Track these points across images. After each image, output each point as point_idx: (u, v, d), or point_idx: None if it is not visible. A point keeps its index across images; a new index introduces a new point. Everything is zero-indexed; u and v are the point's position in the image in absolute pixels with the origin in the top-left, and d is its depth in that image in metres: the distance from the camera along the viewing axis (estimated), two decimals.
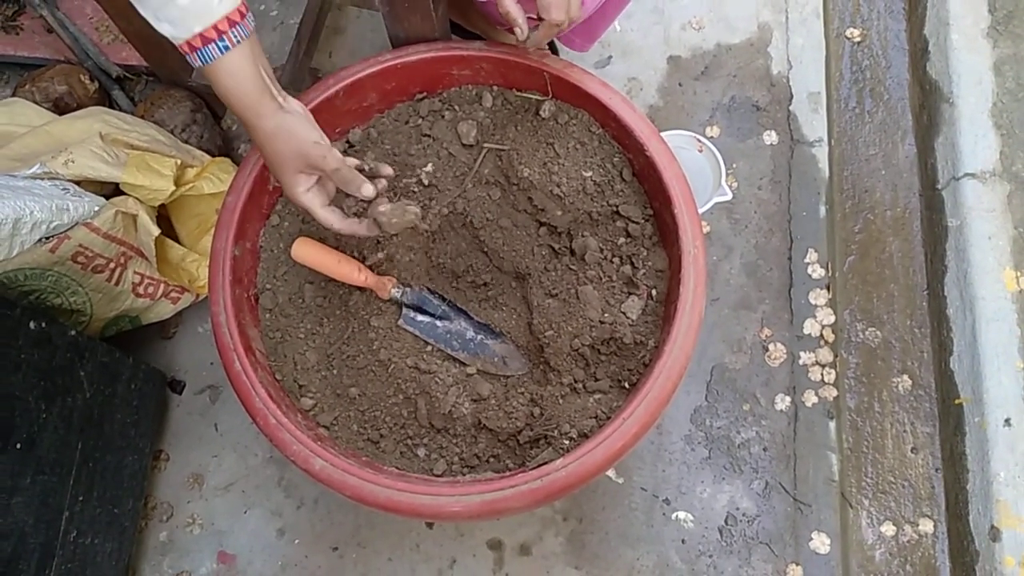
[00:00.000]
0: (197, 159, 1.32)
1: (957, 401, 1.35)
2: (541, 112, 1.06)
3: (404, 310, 1.04)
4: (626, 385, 1.00)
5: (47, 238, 0.84)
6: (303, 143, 0.86)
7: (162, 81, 1.44)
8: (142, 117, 1.36)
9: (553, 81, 1.04)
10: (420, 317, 1.04)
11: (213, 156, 1.38)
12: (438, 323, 1.05)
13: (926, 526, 1.33)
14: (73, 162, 1.14)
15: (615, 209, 1.04)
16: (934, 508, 1.35)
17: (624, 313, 1.01)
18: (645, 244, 1.04)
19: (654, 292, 1.02)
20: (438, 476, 0.99)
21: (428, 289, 1.06)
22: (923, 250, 1.49)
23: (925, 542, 1.33)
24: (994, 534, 1.25)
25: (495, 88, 1.09)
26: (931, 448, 1.38)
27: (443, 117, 1.08)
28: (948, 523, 1.34)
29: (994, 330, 1.34)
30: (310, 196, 0.89)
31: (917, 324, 1.44)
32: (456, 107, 1.09)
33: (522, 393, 1.02)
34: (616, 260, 1.04)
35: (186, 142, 1.37)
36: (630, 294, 1.02)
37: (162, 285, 1.30)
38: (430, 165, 1.06)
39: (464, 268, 1.11)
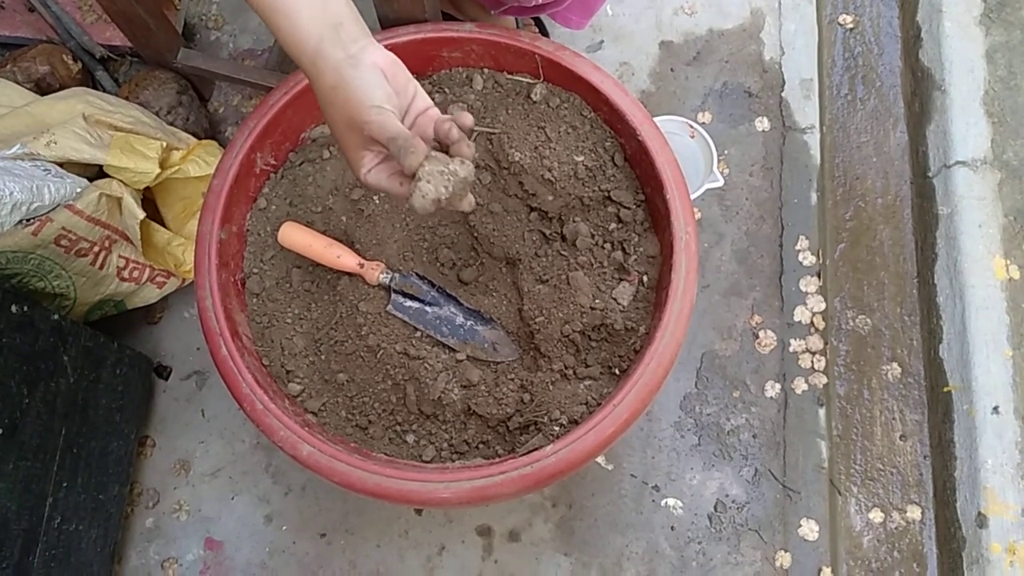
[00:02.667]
0: (183, 141, 1.30)
1: (946, 389, 1.35)
2: (532, 95, 1.05)
3: (393, 295, 1.03)
4: (617, 372, 1.00)
5: (28, 220, 0.82)
6: (359, 110, 0.68)
7: (147, 62, 1.41)
8: (126, 98, 1.34)
9: (544, 64, 1.03)
10: (409, 303, 1.03)
11: (199, 139, 1.36)
12: (427, 309, 1.04)
13: (914, 513, 1.34)
14: (56, 143, 1.12)
15: (607, 194, 1.03)
16: (922, 495, 1.35)
17: (615, 299, 1.00)
18: (636, 230, 1.03)
19: (645, 278, 1.01)
20: (427, 462, 0.98)
21: (417, 274, 1.05)
22: (913, 238, 1.49)
23: (912, 529, 1.33)
24: (981, 521, 1.25)
25: (485, 71, 1.07)
26: (920, 435, 1.38)
27: (432, 100, 1.06)
28: (935, 510, 1.34)
29: (984, 318, 1.34)
30: (375, 175, 0.74)
31: (907, 312, 1.44)
32: (446, 90, 1.07)
33: (512, 379, 1.01)
34: (607, 246, 1.03)
35: (171, 124, 1.35)
36: (621, 280, 1.02)
37: (147, 269, 1.28)
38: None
39: (454, 253, 1.10)
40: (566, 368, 1.01)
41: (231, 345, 0.92)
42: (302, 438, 0.89)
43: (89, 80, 1.44)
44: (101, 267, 1.21)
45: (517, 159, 1.01)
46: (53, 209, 0.87)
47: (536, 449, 0.90)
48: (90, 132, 1.16)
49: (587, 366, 1.01)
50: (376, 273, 1.01)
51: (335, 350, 1.00)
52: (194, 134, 1.37)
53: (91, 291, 1.23)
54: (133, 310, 1.35)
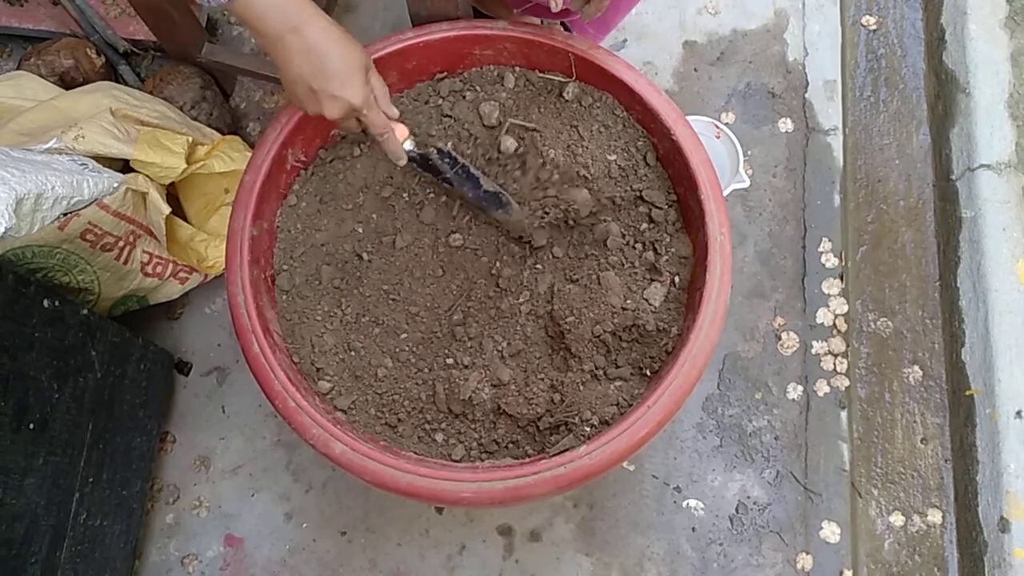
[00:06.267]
0: (207, 137, 1.29)
1: (968, 392, 1.35)
2: (564, 94, 1.05)
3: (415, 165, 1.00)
4: (647, 373, 0.99)
5: (64, 214, 0.82)
6: (362, 50, 0.86)
7: (170, 57, 1.41)
8: (150, 93, 1.33)
9: (578, 62, 1.03)
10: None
11: (223, 134, 1.35)
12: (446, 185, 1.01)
13: (935, 516, 1.34)
14: (84, 137, 1.11)
15: (639, 194, 1.03)
16: (943, 499, 1.35)
17: (647, 300, 1.00)
18: (668, 230, 1.02)
19: (677, 279, 1.01)
20: (456, 461, 0.98)
21: (438, 149, 0.99)
22: (936, 241, 1.48)
23: (933, 532, 1.33)
24: (1003, 525, 1.25)
25: (517, 69, 1.07)
26: (941, 439, 1.38)
27: (464, 97, 1.06)
28: (957, 514, 1.34)
29: (1007, 322, 1.34)
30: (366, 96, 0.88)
31: (929, 315, 1.44)
32: (477, 88, 1.07)
33: (542, 379, 1.00)
34: (639, 246, 1.03)
35: (195, 119, 1.35)
36: (652, 280, 1.01)
37: (171, 265, 1.28)
38: (451, 146, 1.04)
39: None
40: (597, 368, 1.00)
41: (263, 342, 0.92)
42: (335, 436, 0.88)
43: (112, 74, 1.43)
44: (125, 262, 1.21)
45: (551, 157, 1.01)
46: (91, 203, 0.86)
47: (568, 450, 0.89)
48: (117, 127, 1.16)
49: (618, 367, 1.00)
50: (403, 137, 0.96)
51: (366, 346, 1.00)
52: (217, 129, 1.37)
53: (115, 286, 1.23)
54: (154, 306, 1.34)
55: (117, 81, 1.43)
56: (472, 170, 1.01)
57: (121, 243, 1.19)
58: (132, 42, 1.43)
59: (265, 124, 1.51)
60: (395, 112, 0.95)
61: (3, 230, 0.69)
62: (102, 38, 1.41)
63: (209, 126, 1.35)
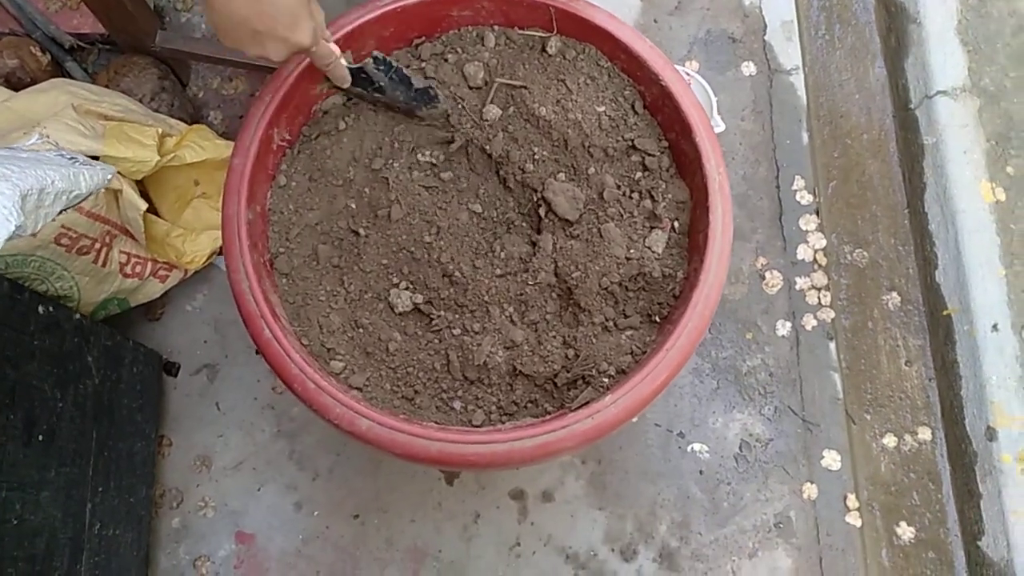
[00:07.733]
0: (174, 128, 1.25)
1: (945, 312, 1.40)
2: (547, 49, 1.04)
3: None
4: (656, 319, 1.00)
5: (63, 210, 0.78)
6: None
7: (122, 49, 1.35)
8: (106, 87, 1.28)
9: (558, 15, 1.02)
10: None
11: (187, 124, 1.31)
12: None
13: (925, 434, 1.39)
14: (48, 137, 1.06)
15: (630, 143, 1.03)
16: (931, 416, 1.40)
17: (649, 248, 1.00)
18: (663, 176, 1.03)
19: (677, 224, 1.02)
20: (478, 427, 0.97)
21: (374, 57, 0.98)
22: (900, 170, 1.53)
23: (925, 449, 1.38)
24: (990, 434, 1.31)
25: (496, 28, 1.06)
26: (923, 359, 1.43)
27: (446, 60, 1.05)
28: (945, 429, 1.39)
29: (976, 241, 1.39)
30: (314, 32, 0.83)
31: (901, 242, 1.49)
32: (459, 49, 1.05)
33: (555, 337, 1.00)
34: (635, 195, 1.03)
35: (156, 111, 1.30)
36: (653, 228, 1.02)
37: (150, 263, 1.24)
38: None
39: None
40: (607, 320, 1.01)
41: (274, 326, 0.89)
42: (360, 413, 0.87)
43: (59, 72, 1.37)
44: (104, 264, 1.17)
45: (543, 114, 1.00)
46: (88, 196, 0.83)
47: (589, 402, 0.90)
48: (82, 123, 1.11)
49: (627, 316, 1.01)
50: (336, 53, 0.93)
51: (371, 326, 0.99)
52: (180, 119, 1.32)
53: (95, 290, 1.18)
54: (134, 308, 1.30)
55: (65, 78, 1.37)
56: (404, 71, 1.00)
57: (97, 245, 1.14)
58: (77, 36, 1.36)
59: (226, 111, 1.47)
60: (329, 35, 0.92)
61: (14, 227, 0.65)
62: (45, 34, 1.34)
63: (171, 117, 1.31)
